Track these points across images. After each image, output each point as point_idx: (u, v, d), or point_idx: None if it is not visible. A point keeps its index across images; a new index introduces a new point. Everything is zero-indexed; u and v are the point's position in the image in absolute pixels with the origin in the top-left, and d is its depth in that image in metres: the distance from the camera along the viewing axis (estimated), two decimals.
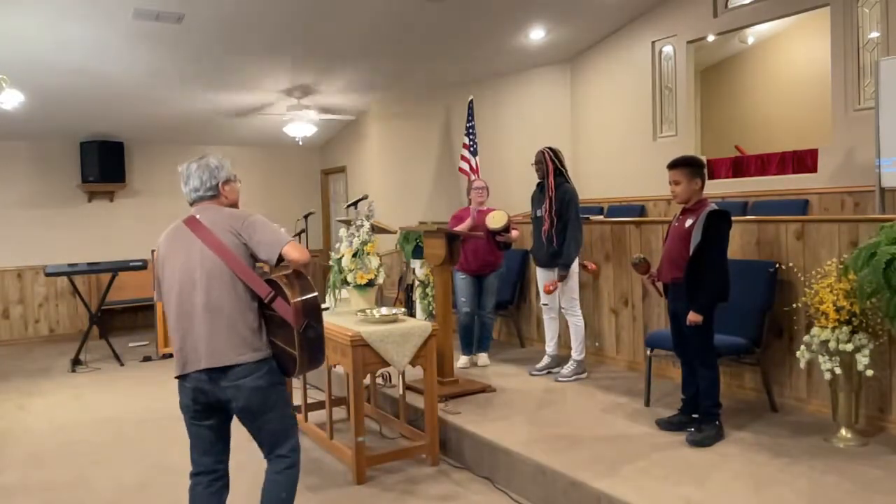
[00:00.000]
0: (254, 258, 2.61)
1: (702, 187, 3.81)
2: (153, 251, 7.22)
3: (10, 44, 6.06)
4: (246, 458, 3.23)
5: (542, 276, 5.13)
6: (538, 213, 5.04)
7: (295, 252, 2.57)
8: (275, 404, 2.64)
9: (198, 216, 2.63)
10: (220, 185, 2.70)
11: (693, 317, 3.66)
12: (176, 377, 2.63)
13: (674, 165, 3.82)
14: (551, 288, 4.92)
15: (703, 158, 5.18)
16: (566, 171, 5.03)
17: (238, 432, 2.75)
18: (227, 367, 2.52)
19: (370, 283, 4.27)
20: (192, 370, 2.55)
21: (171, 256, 2.62)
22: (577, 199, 4.96)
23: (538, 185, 5.09)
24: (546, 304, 5.14)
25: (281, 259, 2.58)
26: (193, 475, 2.72)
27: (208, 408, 2.61)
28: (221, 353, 2.52)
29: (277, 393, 2.65)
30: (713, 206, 3.75)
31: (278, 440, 2.69)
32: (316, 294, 2.60)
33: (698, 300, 3.66)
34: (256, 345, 2.58)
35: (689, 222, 3.75)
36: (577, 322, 5.03)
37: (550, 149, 5.02)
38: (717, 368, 3.78)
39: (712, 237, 3.65)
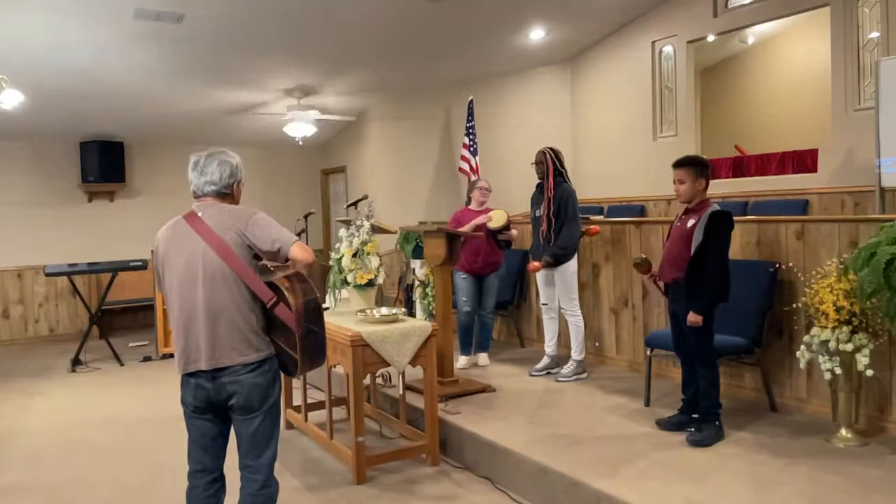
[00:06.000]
0: (257, 258, 2.57)
1: (705, 188, 3.80)
2: (153, 251, 7.35)
3: (10, 44, 6.06)
4: None
5: (541, 277, 5.13)
6: (537, 214, 5.04)
7: (301, 252, 2.53)
8: (271, 404, 2.63)
9: (200, 213, 2.58)
10: (235, 184, 2.67)
11: (692, 317, 3.66)
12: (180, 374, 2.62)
13: (679, 164, 3.82)
14: (537, 265, 4.89)
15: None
16: (566, 171, 5.04)
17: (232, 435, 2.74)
18: (229, 367, 2.51)
19: (370, 283, 4.28)
20: (194, 370, 2.54)
21: (173, 254, 2.58)
22: (575, 197, 4.96)
23: (538, 185, 5.09)
24: (546, 304, 5.14)
25: (286, 258, 2.55)
26: (191, 474, 2.68)
27: (209, 404, 2.59)
28: (224, 354, 2.50)
29: (274, 393, 2.64)
30: (716, 207, 3.74)
31: (261, 444, 2.63)
32: (317, 296, 2.57)
33: (698, 301, 3.66)
34: (259, 344, 2.56)
35: (690, 222, 3.75)
36: (576, 322, 5.02)
37: (551, 149, 5.02)
38: (717, 368, 3.78)
39: (714, 238, 3.64)
